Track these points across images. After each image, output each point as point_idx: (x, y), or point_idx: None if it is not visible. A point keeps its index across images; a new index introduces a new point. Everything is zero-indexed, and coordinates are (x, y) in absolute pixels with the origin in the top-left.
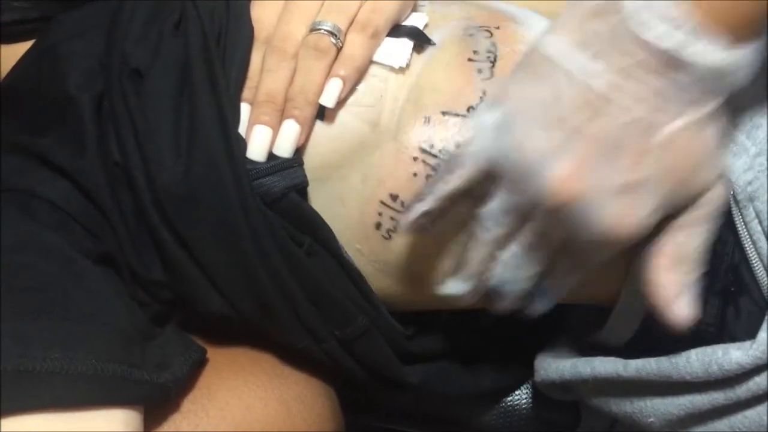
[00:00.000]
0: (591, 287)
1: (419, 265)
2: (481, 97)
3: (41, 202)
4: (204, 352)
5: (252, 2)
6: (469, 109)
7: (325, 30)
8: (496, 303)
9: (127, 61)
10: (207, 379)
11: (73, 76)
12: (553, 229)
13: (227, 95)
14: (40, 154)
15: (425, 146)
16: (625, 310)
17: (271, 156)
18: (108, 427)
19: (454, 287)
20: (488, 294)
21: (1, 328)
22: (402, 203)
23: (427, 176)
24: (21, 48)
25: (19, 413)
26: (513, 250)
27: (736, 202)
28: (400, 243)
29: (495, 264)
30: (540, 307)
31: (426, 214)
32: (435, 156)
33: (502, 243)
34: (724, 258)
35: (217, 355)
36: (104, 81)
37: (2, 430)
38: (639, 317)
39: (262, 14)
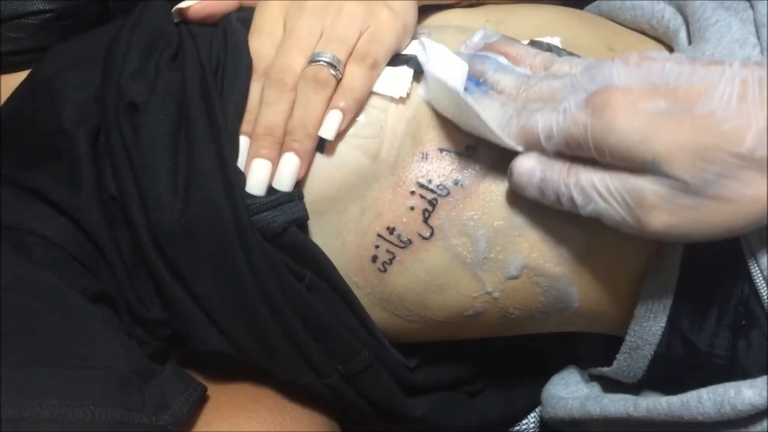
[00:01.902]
0: (600, 316)
1: (415, 297)
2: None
3: (37, 239)
4: (204, 389)
5: (250, 33)
6: (467, 147)
7: (324, 61)
8: None
9: (124, 95)
10: (207, 417)
11: (67, 110)
12: None
13: (225, 130)
14: (35, 190)
15: (423, 181)
16: (635, 346)
17: (271, 190)
18: None
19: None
20: None
21: None
22: (399, 236)
23: (424, 210)
24: (17, 78)
25: None
26: None
27: (745, 234)
28: (395, 275)
29: None
30: None
31: None
32: (432, 191)
33: None
34: (733, 291)
35: (217, 392)
36: (100, 115)
37: None
38: (649, 355)
39: (261, 45)
